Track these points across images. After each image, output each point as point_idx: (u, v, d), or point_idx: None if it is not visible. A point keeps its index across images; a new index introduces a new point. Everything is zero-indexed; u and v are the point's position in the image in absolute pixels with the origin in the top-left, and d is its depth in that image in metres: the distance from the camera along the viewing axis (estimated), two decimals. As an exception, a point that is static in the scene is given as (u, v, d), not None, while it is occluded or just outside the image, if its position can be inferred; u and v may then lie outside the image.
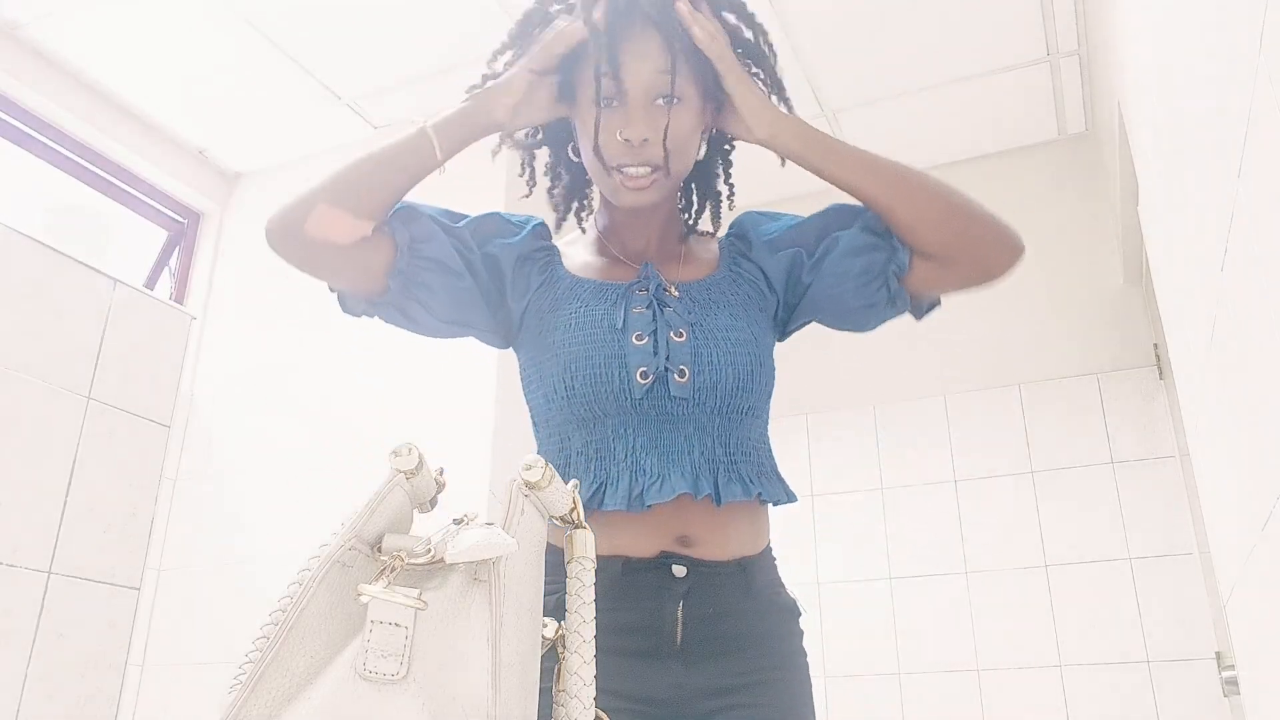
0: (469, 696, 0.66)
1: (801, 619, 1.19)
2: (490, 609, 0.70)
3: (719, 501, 1.10)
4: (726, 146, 1.29)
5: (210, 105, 3.24)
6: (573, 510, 0.87)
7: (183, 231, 3.52)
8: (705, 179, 1.30)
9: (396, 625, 0.67)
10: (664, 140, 1.11)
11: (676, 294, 1.17)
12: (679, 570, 1.10)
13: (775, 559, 1.21)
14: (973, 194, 1.16)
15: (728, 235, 1.29)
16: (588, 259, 1.25)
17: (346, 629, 0.69)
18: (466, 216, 1.21)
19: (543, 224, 1.27)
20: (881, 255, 1.17)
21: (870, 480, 3.24)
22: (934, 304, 1.26)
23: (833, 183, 1.18)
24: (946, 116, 3.29)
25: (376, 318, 1.18)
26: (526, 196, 1.26)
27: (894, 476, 3.21)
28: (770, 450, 1.21)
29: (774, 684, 1.11)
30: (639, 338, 1.12)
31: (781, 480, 1.19)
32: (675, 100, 1.12)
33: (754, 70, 1.22)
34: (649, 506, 1.08)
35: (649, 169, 1.13)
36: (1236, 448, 1.39)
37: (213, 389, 3.28)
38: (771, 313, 1.24)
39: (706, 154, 1.25)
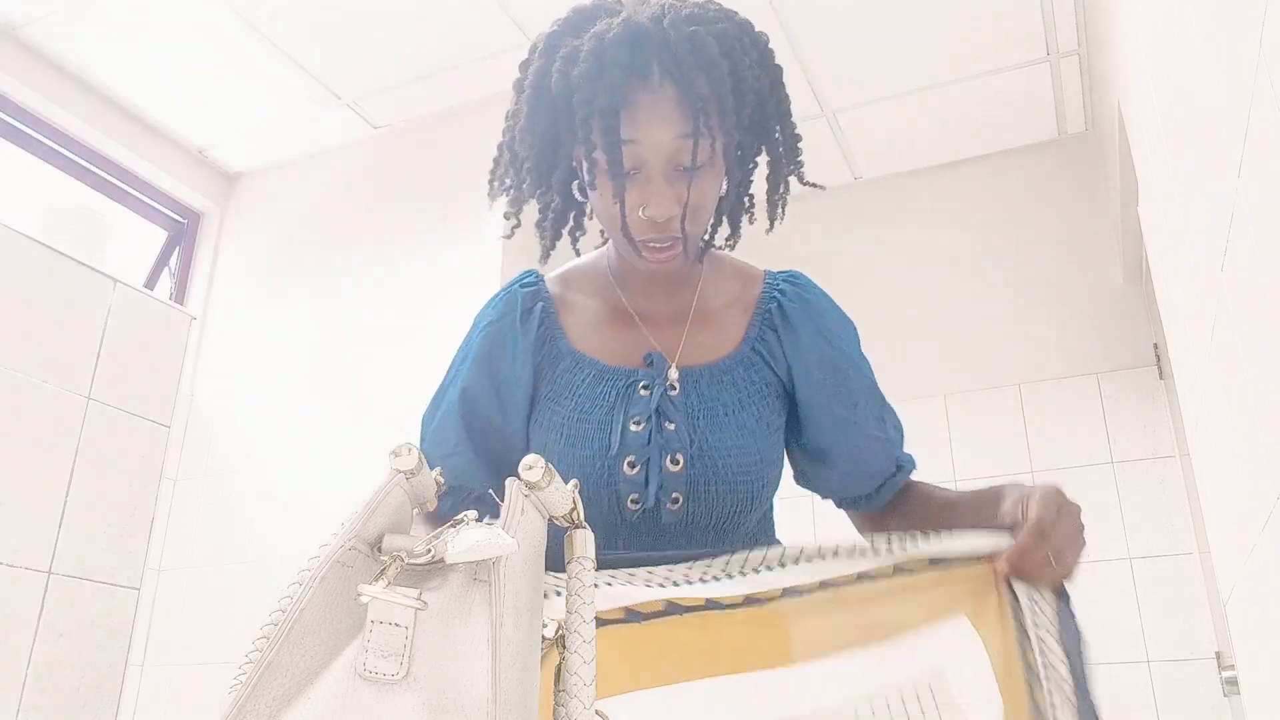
0: (469, 697, 0.66)
1: None
2: (490, 609, 0.70)
3: None
4: (749, 165, 1.15)
5: (210, 105, 3.24)
6: (573, 510, 0.87)
7: (183, 231, 3.52)
8: (723, 201, 1.17)
9: (396, 625, 0.67)
10: (683, 220, 1.02)
11: (672, 374, 1.08)
12: None
13: None
14: None
15: (772, 290, 1.15)
16: (592, 310, 1.15)
17: (346, 629, 0.69)
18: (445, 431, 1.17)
19: (521, 290, 1.16)
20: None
21: (870, 480, 3.23)
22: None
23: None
24: (946, 116, 3.28)
25: None
26: (513, 230, 1.15)
27: (894, 476, 3.20)
28: (770, 525, 1.16)
29: None
30: (631, 465, 1.06)
31: None
32: (697, 169, 1.01)
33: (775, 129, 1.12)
34: None
35: (673, 238, 1.04)
36: (1236, 448, 1.39)
37: (213, 389, 3.28)
38: (784, 397, 1.15)
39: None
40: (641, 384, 1.09)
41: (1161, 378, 2.96)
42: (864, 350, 1.19)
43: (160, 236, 3.47)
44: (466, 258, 3.02)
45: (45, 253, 2.07)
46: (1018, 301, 3.24)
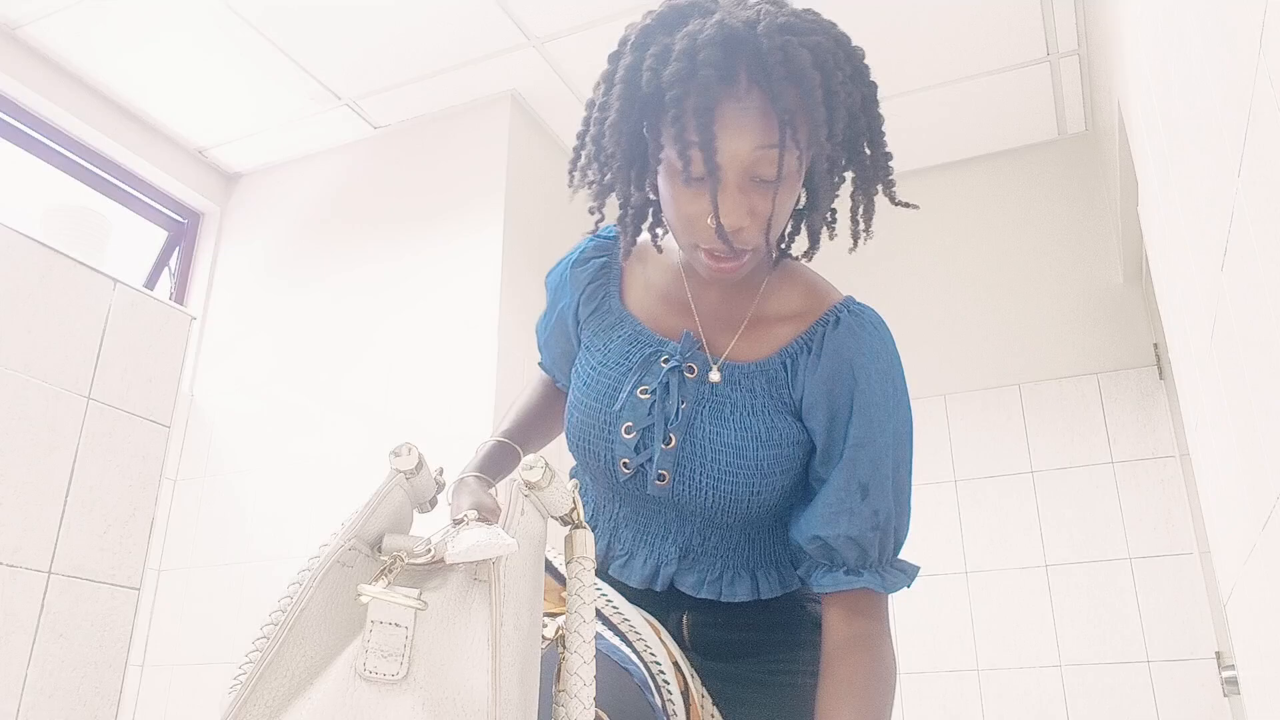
0: (469, 697, 0.66)
1: None
2: (490, 609, 0.70)
3: (669, 589, 1.10)
4: (835, 181, 1.06)
5: (210, 105, 3.24)
6: (573, 510, 0.87)
7: (183, 231, 3.52)
8: (802, 213, 1.11)
9: (396, 625, 0.66)
10: (766, 232, 0.96)
11: (714, 378, 1.07)
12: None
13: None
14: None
15: (833, 317, 1.08)
16: (653, 285, 1.15)
17: (347, 629, 0.69)
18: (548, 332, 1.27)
19: (591, 243, 1.20)
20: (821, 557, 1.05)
21: (870, 480, 3.23)
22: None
23: None
24: (947, 116, 3.28)
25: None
26: (597, 224, 1.14)
27: (894, 476, 3.20)
28: (785, 537, 1.11)
29: (777, 687, 1.09)
30: (628, 430, 1.07)
31: (791, 569, 1.11)
32: (779, 182, 0.95)
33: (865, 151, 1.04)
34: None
35: (739, 250, 0.98)
36: (1236, 448, 1.38)
37: (213, 389, 3.28)
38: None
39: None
40: (665, 356, 1.09)
41: (1161, 378, 2.96)
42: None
43: (160, 236, 3.47)
44: (466, 258, 3.02)
45: (45, 253, 2.07)
46: (1018, 301, 3.24)
